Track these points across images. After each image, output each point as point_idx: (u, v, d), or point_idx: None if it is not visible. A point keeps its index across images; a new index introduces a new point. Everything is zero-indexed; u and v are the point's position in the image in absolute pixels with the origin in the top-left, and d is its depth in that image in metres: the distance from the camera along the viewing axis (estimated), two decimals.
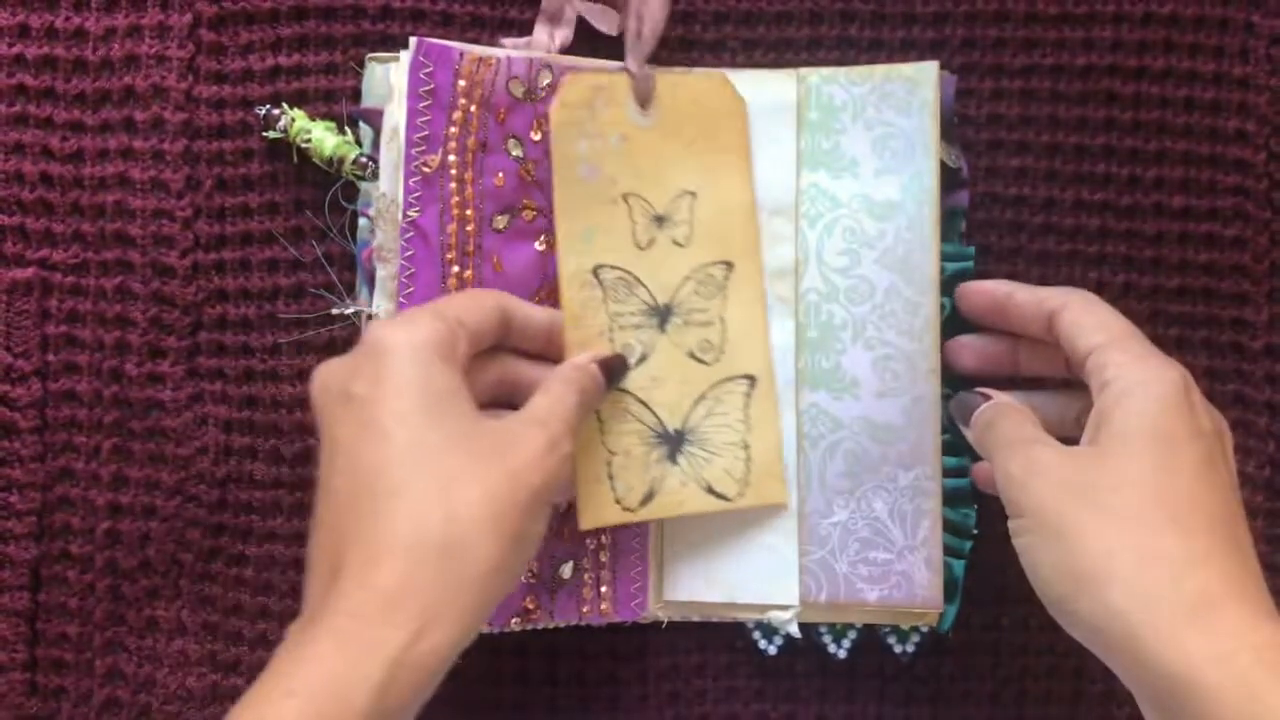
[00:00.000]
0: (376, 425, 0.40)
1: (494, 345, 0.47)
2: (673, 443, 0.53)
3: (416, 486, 0.39)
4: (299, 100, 0.54)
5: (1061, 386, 0.52)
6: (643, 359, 0.52)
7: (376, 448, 0.40)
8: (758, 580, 0.53)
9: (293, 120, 0.53)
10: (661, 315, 0.53)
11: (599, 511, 0.52)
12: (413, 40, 0.51)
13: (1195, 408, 0.43)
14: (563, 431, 0.43)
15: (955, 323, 0.53)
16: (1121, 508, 0.41)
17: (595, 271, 0.52)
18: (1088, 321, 0.47)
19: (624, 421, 0.52)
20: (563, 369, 0.48)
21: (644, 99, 0.53)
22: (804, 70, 0.54)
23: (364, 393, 0.41)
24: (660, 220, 0.53)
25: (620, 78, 0.53)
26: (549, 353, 0.50)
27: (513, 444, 0.42)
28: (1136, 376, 0.44)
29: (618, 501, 0.52)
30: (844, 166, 0.53)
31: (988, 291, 0.52)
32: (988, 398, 0.50)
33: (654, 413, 0.52)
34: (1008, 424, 0.47)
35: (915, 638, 0.55)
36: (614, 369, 0.50)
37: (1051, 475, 0.43)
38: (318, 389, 0.43)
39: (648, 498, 0.52)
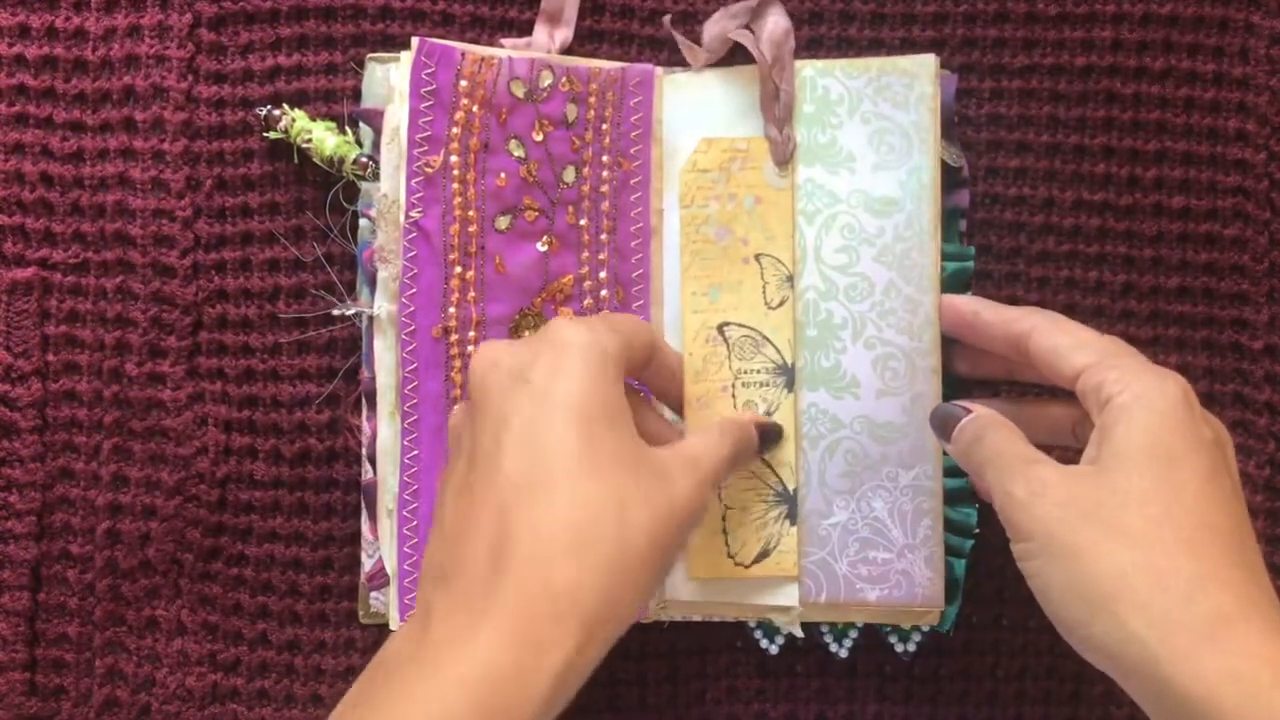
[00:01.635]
0: (557, 416, 0.39)
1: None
2: (792, 503, 0.53)
3: (594, 492, 0.39)
4: (299, 100, 0.54)
5: (1049, 396, 0.52)
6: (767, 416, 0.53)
7: (557, 438, 0.39)
8: (758, 584, 0.53)
9: (293, 120, 0.53)
10: (789, 374, 0.53)
11: (713, 565, 0.53)
12: (415, 40, 0.51)
13: (1196, 418, 0.43)
14: (712, 476, 0.43)
15: None
16: (1131, 527, 0.41)
17: (721, 329, 0.53)
18: (1065, 342, 0.46)
19: (744, 478, 0.53)
20: (724, 421, 0.48)
21: (782, 161, 0.53)
22: (800, 62, 0.54)
23: (542, 380, 0.40)
24: (793, 280, 0.53)
25: (759, 141, 0.53)
26: (669, 396, 0.51)
27: (672, 477, 0.41)
28: (1136, 391, 0.43)
29: (731, 556, 0.52)
30: (840, 161, 0.53)
31: (955, 309, 0.51)
32: (968, 410, 0.48)
33: (775, 472, 0.52)
34: (999, 440, 0.46)
35: (916, 637, 0.55)
36: (769, 435, 0.51)
37: (1056, 495, 0.42)
38: (485, 364, 0.41)
39: (762, 555, 0.52)
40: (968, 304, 0.51)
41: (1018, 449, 0.45)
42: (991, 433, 0.46)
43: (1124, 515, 0.41)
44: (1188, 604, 0.39)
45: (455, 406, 0.46)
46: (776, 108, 0.53)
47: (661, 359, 0.49)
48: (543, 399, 0.40)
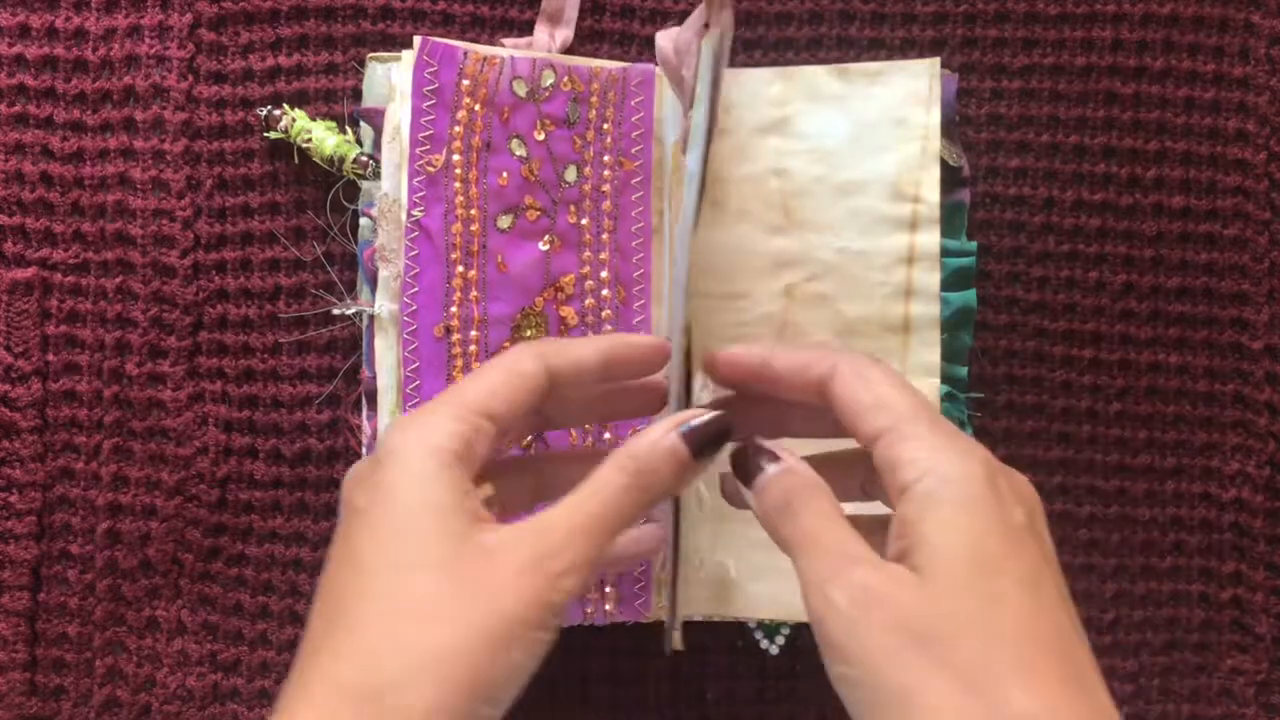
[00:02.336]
0: (360, 548, 0.37)
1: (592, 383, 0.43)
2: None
3: (374, 623, 0.36)
4: (299, 100, 0.54)
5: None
6: None
7: (352, 575, 0.37)
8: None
9: (294, 120, 0.53)
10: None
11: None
12: (417, 39, 0.51)
13: (1005, 500, 0.37)
14: (566, 541, 0.37)
15: (955, 322, 0.53)
16: (961, 661, 0.34)
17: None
18: (865, 399, 0.39)
19: None
20: (619, 450, 0.39)
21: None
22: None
23: (363, 505, 0.38)
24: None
25: None
26: (592, 414, 0.46)
27: (492, 564, 0.36)
28: (938, 477, 0.37)
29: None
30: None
31: (740, 362, 0.42)
32: (776, 458, 0.40)
33: None
34: (815, 519, 0.38)
35: None
36: (706, 439, 0.40)
37: (885, 617, 0.35)
38: (344, 489, 0.39)
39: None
40: (754, 352, 0.42)
41: (837, 537, 0.37)
42: (806, 505, 0.39)
43: (953, 647, 0.34)
44: None
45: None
46: (680, 93, 0.53)
47: (575, 369, 0.42)
48: (356, 529, 0.38)
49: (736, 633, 0.55)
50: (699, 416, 0.40)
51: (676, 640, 0.42)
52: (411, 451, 0.38)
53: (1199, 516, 0.56)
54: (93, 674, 0.54)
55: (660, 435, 0.39)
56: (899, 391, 0.39)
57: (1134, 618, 0.56)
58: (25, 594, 0.54)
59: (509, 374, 0.40)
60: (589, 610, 0.53)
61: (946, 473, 0.37)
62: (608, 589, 0.53)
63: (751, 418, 0.42)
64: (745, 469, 0.40)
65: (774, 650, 0.55)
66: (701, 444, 0.39)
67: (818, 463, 0.40)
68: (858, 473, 0.42)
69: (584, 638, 0.55)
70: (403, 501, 0.37)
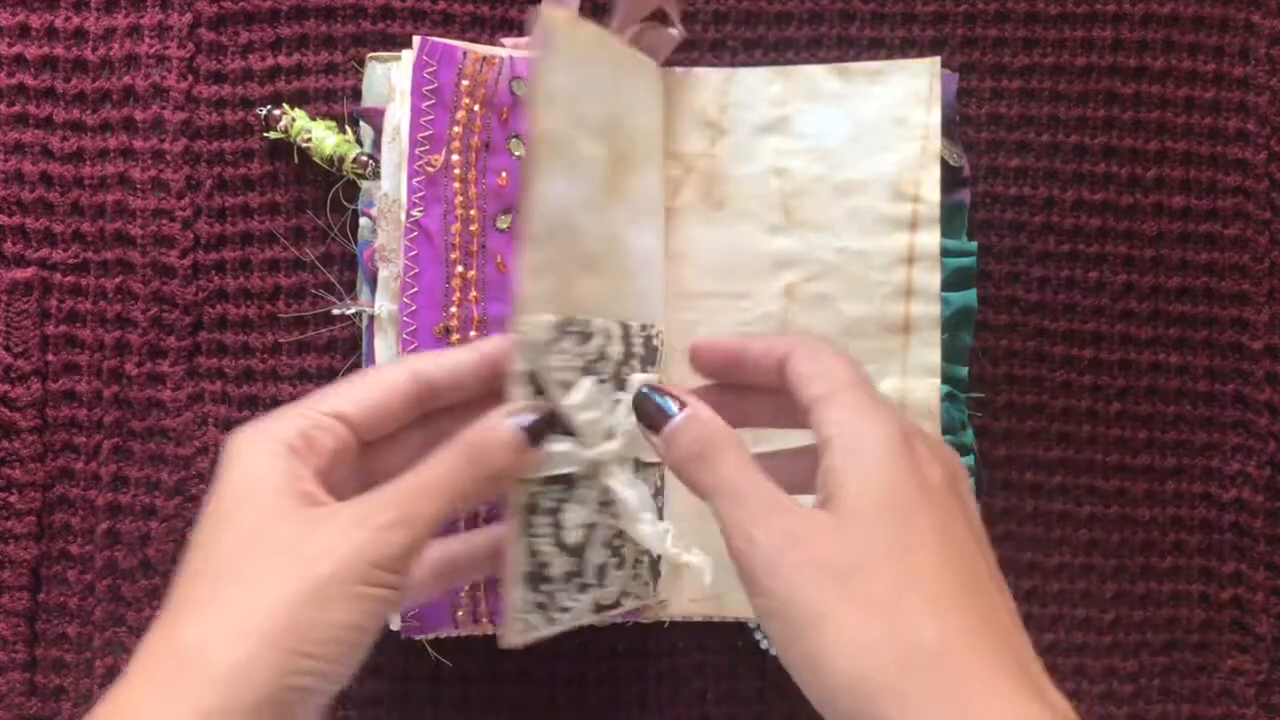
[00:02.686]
0: (199, 532, 0.40)
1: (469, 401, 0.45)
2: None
3: (203, 592, 0.39)
4: (299, 100, 0.54)
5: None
6: None
7: (193, 555, 0.40)
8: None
9: (294, 120, 0.53)
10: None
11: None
12: (417, 39, 0.51)
13: (920, 458, 0.40)
14: (392, 500, 0.40)
15: (955, 322, 0.54)
16: (874, 593, 0.37)
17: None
18: (809, 371, 0.42)
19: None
20: (462, 434, 0.42)
21: None
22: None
23: (207, 498, 0.41)
24: None
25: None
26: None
27: (313, 530, 0.39)
28: (853, 433, 0.40)
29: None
30: None
31: (722, 348, 0.45)
32: (682, 404, 0.43)
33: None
34: (731, 467, 0.41)
35: None
36: (538, 425, 0.43)
37: (804, 553, 0.38)
38: None
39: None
40: (734, 340, 0.45)
41: (757, 485, 0.40)
42: (722, 454, 0.41)
43: (866, 579, 0.37)
44: (937, 676, 0.37)
45: None
46: None
47: (453, 376, 0.45)
48: (202, 518, 0.41)
49: (736, 633, 0.55)
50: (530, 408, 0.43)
51: (515, 635, 0.43)
52: (243, 446, 0.41)
53: (1199, 516, 0.56)
54: (92, 674, 0.54)
55: (496, 419, 0.42)
56: (841, 365, 0.42)
57: (1134, 618, 0.56)
58: (25, 594, 0.54)
59: (367, 379, 0.44)
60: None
61: (866, 430, 0.40)
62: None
63: (727, 407, 0.44)
64: (650, 416, 0.43)
65: (774, 650, 0.55)
66: (535, 428, 0.43)
67: (777, 458, 0.44)
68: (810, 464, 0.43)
69: (584, 638, 0.55)
70: (231, 487, 0.40)
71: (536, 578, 0.44)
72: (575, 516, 0.46)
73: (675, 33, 0.53)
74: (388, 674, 0.54)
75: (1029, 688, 0.37)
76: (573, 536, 0.46)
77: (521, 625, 0.44)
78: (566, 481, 0.45)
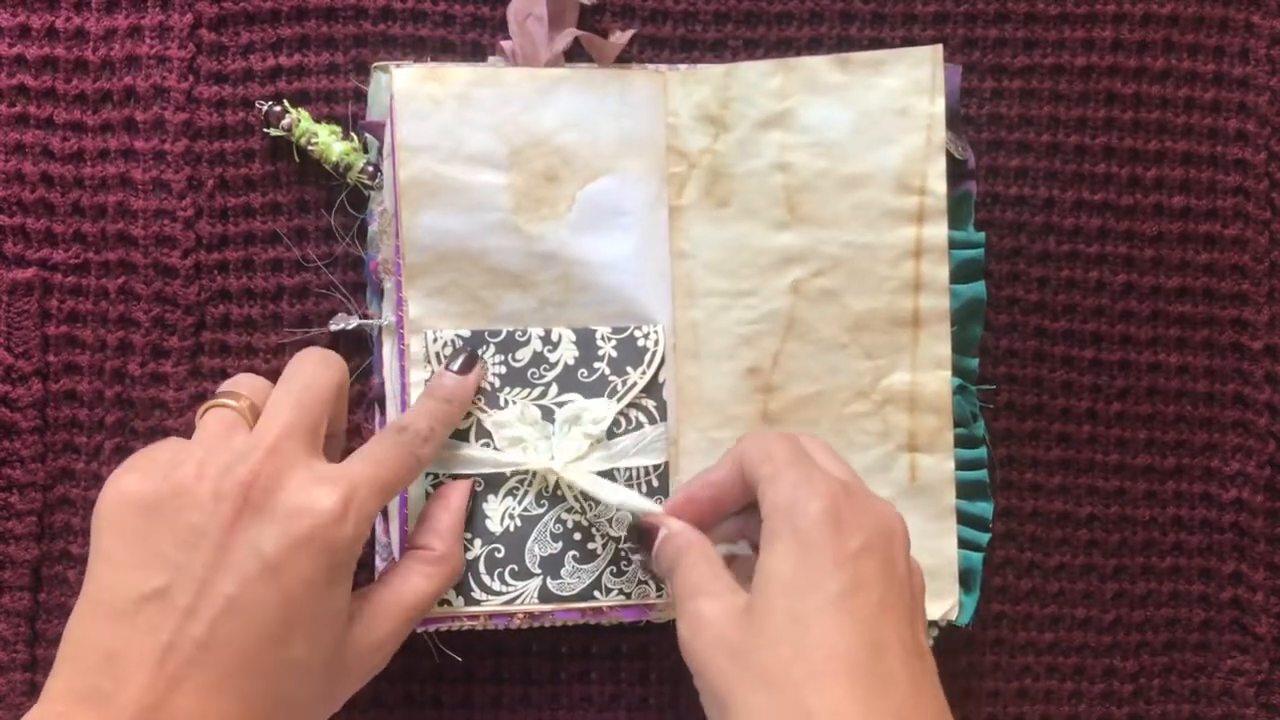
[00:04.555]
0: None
1: None
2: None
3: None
4: (300, 100, 0.54)
5: None
6: None
7: None
8: None
9: (297, 120, 0.53)
10: None
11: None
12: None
13: (844, 529, 0.42)
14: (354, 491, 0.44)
15: (964, 314, 0.54)
16: (766, 669, 0.40)
17: None
18: (755, 454, 0.45)
19: None
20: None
21: None
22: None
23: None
24: None
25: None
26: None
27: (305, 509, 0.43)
28: (784, 511, 0.42)
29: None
30: None
31: (692, 499, 0.48)
32: (661, 527, 0.47)
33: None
34: (688, 568, 0.45)
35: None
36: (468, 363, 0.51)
37: (708, 637, 0.42)
38: None
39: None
40: (700, 493, 0.47)
41: (696, 577, 0.44)
42: (683, 558, 0.45)
43: (761, 657, 0.40)
44: None
45: None
46: None
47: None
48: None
49: None
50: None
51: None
52: (218, 419, 0.47)
53: (1199, 516, 0.56)
54: None
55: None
56: (782, 445, 0.45)
57: (1134, 618, 0.56)
58: (25, 594, 0.54)
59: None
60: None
61: (790, 510, 0.42)
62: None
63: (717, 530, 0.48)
64: (642, 541, 0.49)
65: None
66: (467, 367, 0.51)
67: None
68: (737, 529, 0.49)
69: (587, 638, 0.55)
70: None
71: None
72: (498, 507, 0.51)
73: (616, 37, 0.54)
74: (389, 674, 0.54)
75: None
76: (497, 526, 0.51)
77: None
78: (484, 474, 0.51)
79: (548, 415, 0.52)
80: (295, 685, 0.42)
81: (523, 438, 0.51)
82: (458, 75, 0.52)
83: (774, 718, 0.39)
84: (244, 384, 0.47)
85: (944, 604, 0.53)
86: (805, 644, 0.40)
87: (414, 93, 0.51)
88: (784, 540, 0.42)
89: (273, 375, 0.54)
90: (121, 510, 0.43)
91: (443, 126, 0.52)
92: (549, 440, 0.52)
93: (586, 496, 0.52)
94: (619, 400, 0.52)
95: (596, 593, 0.52)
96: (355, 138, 0.54)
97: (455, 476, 0.51)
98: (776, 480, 0.43)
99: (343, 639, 0.44)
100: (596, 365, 0.52)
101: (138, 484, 0.43)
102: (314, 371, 0.47)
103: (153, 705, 0.40)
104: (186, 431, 0.54)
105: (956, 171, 0.54)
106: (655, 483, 0.52)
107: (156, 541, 0.42)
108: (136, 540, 0.42)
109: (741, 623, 0.41)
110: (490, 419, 0.51)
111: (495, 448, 0.51)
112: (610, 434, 0.52)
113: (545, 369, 0.52)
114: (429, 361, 0.51)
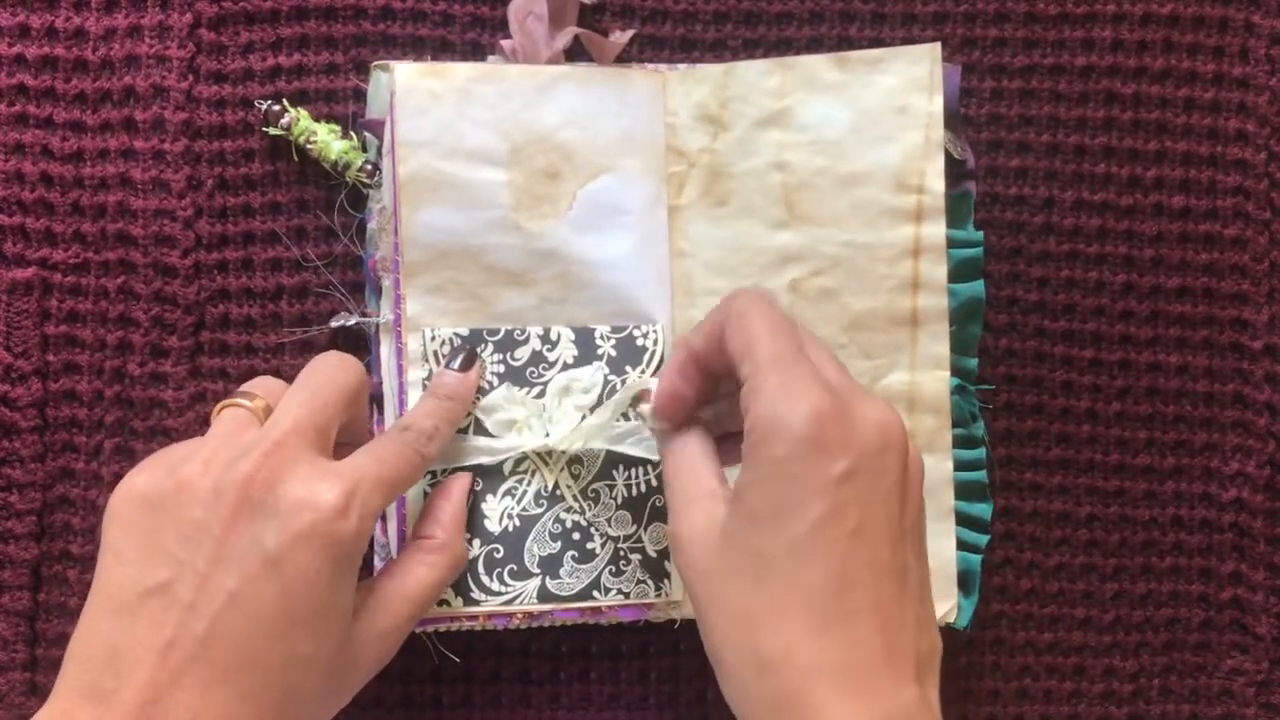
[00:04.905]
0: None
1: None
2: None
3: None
4: (300, 100, 0.54)
5: None
6: None
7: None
8: None
9: (297, 120, 0.53)
10: None
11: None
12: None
13: (828, 449, 0.39)
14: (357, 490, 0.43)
15: (963, 313, 0.54)
16: (730, 601, 0.40)
17: None
18: (738, 344, 0.42)
19: None
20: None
21: None
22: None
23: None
24: None
25: None
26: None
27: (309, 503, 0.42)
28: (763, 426, 0.40)
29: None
30: None
31: (673, 393, 0.45)
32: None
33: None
34: (682, 479, 0.44)
35: None
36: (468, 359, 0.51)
37: (689, 554, 0.42)
38: None
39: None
40: (674, 380, 0.45)
41: (691, 488, 0.43)
42: (676, 469, 0.44)
43: (727, 588, 0.40)
44: (759, 682, 0.39)
45: None
46: None
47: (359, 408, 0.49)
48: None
49: None
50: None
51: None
52: (231, 420, 0.47)
53: (1199, 516, 0.56)
54: None
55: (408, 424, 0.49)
56: (767, 337, 0.41)
57: (1134, 618, 0.56)
58: (25, 594, 0.54)
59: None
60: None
61: (768, 431, 0.40)
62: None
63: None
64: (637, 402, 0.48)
65: None
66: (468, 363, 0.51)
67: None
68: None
69: (586, 638, 0.55)
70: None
71: None
72: (497, 507, 0.51)
73: (616, 37, 0.54)
74: (389, 675, 0.54)
75: (869, 696, 0.38)
76: (496, 526, 0.51)
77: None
78: (482, 475, 0.51)
79: (539, 397, 0.52)
80: (300, 680, 0.42)
81: (515, 419, 0.51)
82: (459, 71, 0.52)
83: (734, 652, 0.40)
84: (261, 385, 0.48)
85: (942, 606, 0.53)
86: (766, 580, 0.39)
87: (414, 88, 0.51)
88: (759, 468, 0.40)
89: (274, 375, 0.54)
90: (129, 506, 0.43)
91: (443, 122, 0.52)
92: (541, 419, 0.52)
93: (585, 496, 0.52)
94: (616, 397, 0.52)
95: (595, 592, 0.52)
96: (354, 136, 0.54)
97: (453, 471, 0.51)
98: (757, 389, 0.40)
99: (348, 633, 0.44)
100: (597, 363, 0.52)
101: (145, 480, 0.43)
102: (329, 374, 0.46)
103: (154, 701, 0.40)
104: (186, 431, 0.54)
105: (956, 171, 0.54)
106: (655, 482, 0.52)
107: (160, 537, 0.42)
108: (141, 536, 0.42)
109: (715, 546, 0.41)
110: (479, 405, 0.51)
111: (490, 435, 0.51)
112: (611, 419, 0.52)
113: (544, 368, 0.52)
114: (427, 360, 0.51)
